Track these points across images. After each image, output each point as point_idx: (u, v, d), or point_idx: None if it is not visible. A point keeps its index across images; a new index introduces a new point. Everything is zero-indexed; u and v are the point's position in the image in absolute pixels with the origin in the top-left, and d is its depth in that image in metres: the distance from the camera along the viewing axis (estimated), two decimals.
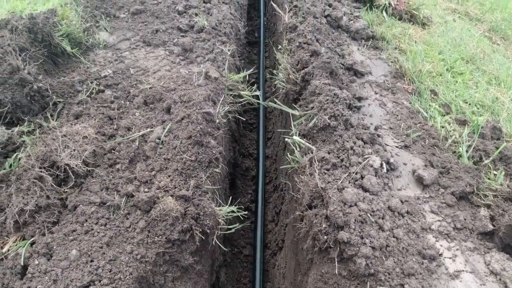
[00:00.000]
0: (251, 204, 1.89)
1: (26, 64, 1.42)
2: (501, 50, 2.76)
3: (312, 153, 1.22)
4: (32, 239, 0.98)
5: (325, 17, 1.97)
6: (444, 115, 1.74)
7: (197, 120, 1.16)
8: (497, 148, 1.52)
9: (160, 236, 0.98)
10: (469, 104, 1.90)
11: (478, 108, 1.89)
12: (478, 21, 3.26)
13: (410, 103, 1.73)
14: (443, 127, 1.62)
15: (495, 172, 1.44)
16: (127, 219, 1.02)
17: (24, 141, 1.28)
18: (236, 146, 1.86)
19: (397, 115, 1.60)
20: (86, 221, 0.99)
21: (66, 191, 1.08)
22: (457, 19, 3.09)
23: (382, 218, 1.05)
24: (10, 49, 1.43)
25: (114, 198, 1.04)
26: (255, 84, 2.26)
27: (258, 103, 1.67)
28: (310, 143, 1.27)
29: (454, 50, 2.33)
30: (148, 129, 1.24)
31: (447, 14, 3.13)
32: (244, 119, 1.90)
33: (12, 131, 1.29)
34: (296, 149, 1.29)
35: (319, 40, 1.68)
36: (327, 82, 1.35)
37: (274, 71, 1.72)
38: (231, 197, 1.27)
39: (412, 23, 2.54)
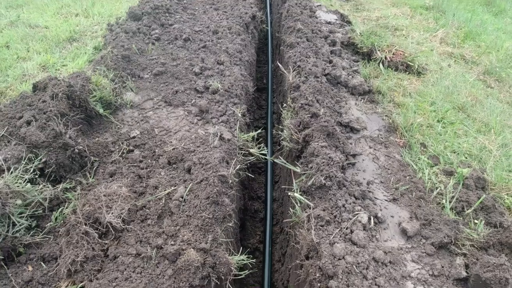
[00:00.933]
0: (259, 244, 2.11)
1: (67, 128, 1.68)
2: (495, 94, 2.95)
3: (310, 208, 1.44)
4: (81, 284, 1.22)
5: (325, 75, 2.22)
6: (432, 167, 1.94)
7: (214, 183, 1.40)
8: (479, 198, 1.71)
9: (185, 282, 1.20)
10: (458, 153, 2.10)
11: (466, 158, 2.09)
12: (473, 63, 3.46)
13: (402, 156, 1.95)
14: (430, 179, 1.83)
15: (476, 221, 1.64)
16: (158, 267, 1.24)
17: (67, 197, 1.53)
18: (246, 192, 2.09)
19: (388, 169, 1.82)
20: (125, 269, 1.22)
21: (107, 243, 1.32)
22: (452, 64, 3.31)
23: (366, 269, 1.26)
24: (53, 115, 1.71)
25: (147, 250, 1.28)
26: (263, 130, 2.52)
27: (266, 159, 1.90)
28: (309, 199, 1.50)
29: (446, 100, 2.54)
30: (172, 188, 1.48)
31: (443, 59, 3.35)
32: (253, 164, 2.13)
33: (56, 188, 1.54)
34: (297, 204, 1.52)
35: (319, 100, 1.92)
36: (324, 144, 1.58)
37: (280, 127, 1.96)
38: (241, 241, 1.49)
39: (407, 72, 2.77)
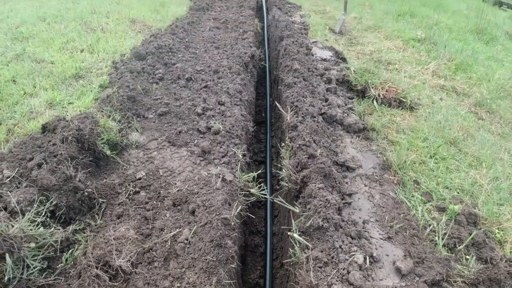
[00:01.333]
0: (259, 279, 2.16)
1: (76, 171, 1.77)
2: (486, 125, 3.06)
3: (309, 249, 1.51)
4: None
5: (322, 114, 2.33)
6: (425, 203, 2.02)
7: (217, 226, 1.47)
8: (470, 234, 1.79)
9: None
10: (450, 189, 2.19)
11: (458, 193, 2.17)
12: (465, 96, 3.59)
13: (396, 193, 2.03)
14: (423, 216, 1.91)
15: (468, 257, 1.71)
16: None
17: (77, 239, 1.60)
18: (246, 228, 2.16)
19: (383, 207, 1.90)
20: None
21: (116, 286, 1.38)
22: (444, 97, 3.43)
23: None
24: (63, 158, 1.80)
25: None
26: (263, 170, 2.61)
27: (265, 198, 1.99)
28: (307, 240, 1.57)
29: (438, 135, 2.64)
30: (178, 230, 1.55)
31: (435, 93, 3.48)
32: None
33: (67, 230, 1.62)
34: (296, 244, 1.59)
35: (316, 141, 2.02)
36: (321, 186, 1.67)
37: (278, 165, 2.06)
38: (242, 277, 1.56)
39: (401, 108, 2.89)
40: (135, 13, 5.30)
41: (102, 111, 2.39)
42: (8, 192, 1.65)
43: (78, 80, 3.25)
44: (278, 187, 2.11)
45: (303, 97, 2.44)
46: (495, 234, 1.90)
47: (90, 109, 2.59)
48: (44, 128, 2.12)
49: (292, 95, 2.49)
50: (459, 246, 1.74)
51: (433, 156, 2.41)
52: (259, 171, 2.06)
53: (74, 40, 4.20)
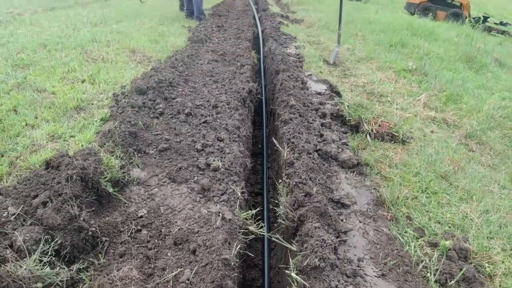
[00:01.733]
0: None
1: (81, 211, 1.83)
2: (476, 157, 3.15)
3: None
4: None
5: (317, 151, 2.42)
6: (418, 239, 2.09)
7: (218, 267, 1.53)
8: (461, 269, 1.85)
9: None
10: (442, 224, 2.26)
11: (449, 227, 2.24)
12: (455, 127, 3.70)
13: (389, 229, 2.10)
14: (415, 252, 1.97)
15: None
16: None
17: (81, 278, 1.65)
18: (243, 263, 2.21)
19: (377, 244, 1.97)
20: None
21: None
22: (435, 129, 3.54)
23: None
24: (68, 197, 1.85)
25: None
26: (259, 196, 2.67)
27: (263, 235, 2.05)
28: (304, 279, 1.63)
29: (429, 169, 2.73)
30: (179, 270, 1.60)
31: (426, 125, 3.59)
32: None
33: (71, 269, 1.66)
34: (294, 283, 1.64)
35: (312, 178, 2.10)
36: (318, 225, 1.74)
37: (276, 201, 2.13)
38: None
39: (393, 142, 3.00)
40: (135, 43, 5.41)
41: (104, 146, 2.46)
42: (15, 232, 1.70)
43: (79, 112, 3.29)
44: (275, 224, 2.17)
45: (299, 133, 2.54)
46: (485, 268, 1.96)
47: (92, 143, 2.65)
48: (48, 165, 2.18)
49: (289, 131, 2.59)
50: (450, 281, 1.80)
51: (425, 191, 2.49)
52: (258, 209, 2.13)
53: (75, 70, 4.27)
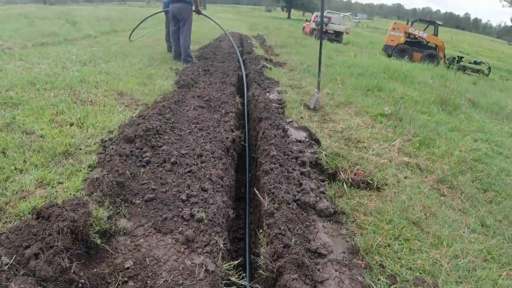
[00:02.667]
0: None
1: (71, 263, 1.90)
2: (448, 201, 3.33)
3: None
4: None
5: (296, 201, 2.58)
6: (390, 286, 2.21)
7: None
8: None
9: None
10: (413, 270, 2.39)
11: (420, 274, 2.38)
12: (428, 172, 3.90)
13: (364, 277, 2.23)
14: None
15: None
16: None
17: None
18: None
19: None
20: None
21: None
22: (409, 175, 3.74)
23: None
24: (59, 250, 1.93)
25: None
26: (241, 241, 2.77)
27: (244, 285, 2.14)
28: None
29: (402, 216, 2.90)
30: None
31: (400, 170, 3.79)
32: None
33: None
34: None
35: (290, 229, 2.23)
36: (295, 276, 1.86)
37: (257, 251, 2.24)
38: None
39: (368, 189, 3.17)
40: (123, 85, 5.53)
41: (92, 195, 2.55)
42: (10, 283, 1.75)
43: (67, 158, 3.33)
44: (257, 272, 2.27)
45: (279, 183, 2.69)
46: None
47: (80, 191, 2.72)
48: (39, 215, 2.25)
49: (269, 182, 2.74)
50: None
51: (398, 238, 2.64)
52: (240, 259, 2.23)
53: (64, 112, 4.33)
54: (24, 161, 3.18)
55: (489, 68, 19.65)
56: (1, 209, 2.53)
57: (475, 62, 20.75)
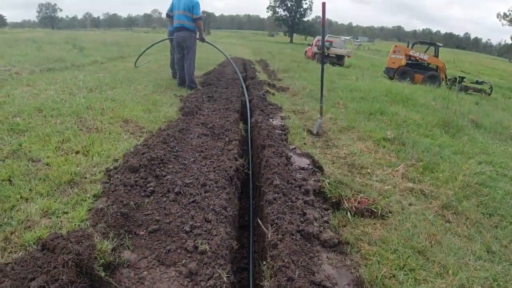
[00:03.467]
0: None
1: None
2: (453, 228, 3.30)
3: None
4: None
5: (300, 231, 2.57)
6: None
7: None
8: None
9: None
10: None
11: None
12: (432, 198, 3.87)
13: None
14: None
15: None
16: None
17: None
18: None
19: None
20: None
21: None
22: (413, 201, 3.71)
23: None
24: (64, 283, 1.94)
25: None
26: (245, 271, 2.74)
27: None
28: None
29: (407, 245, 2.87)
30: None
31: (405, 197, 3.77)
32: None
33: None
34: None
35: (294, 261, 2.22)
36: None
37: (261, 284, 2.22)
38: None
39: (372, 217, 3.16)
40: (129, 112, 5.61)
41: (96, 226, 2.56)
42: None
43: (72, 187, 3.35)
44: None
45: (282, 213, 2.70)
46: None
47: (85, 221, 2.73)
48: (44, 246, 2.27)
49: (273, 212, 2.75)
50: None
51: (403, 268, 2.61)
52: None
53: (69, 140, 4.38)
54: (29, 189, 3.21)
55: (491, 87, 19.75)
56: (6, 239, 2.54)
57: (476, 82, 20.88)
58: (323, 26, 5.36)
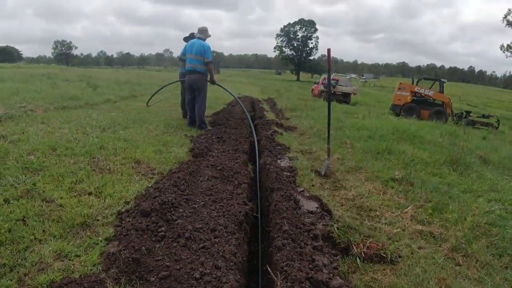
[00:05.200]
0: None
1: None
2: (463, 271, 3.24)
3: None
4: None
5: (309, 279, 2.58)
6: None
7: None
8: None
9: None
10: None
11: None
12: (442, 240, 3.84)
13: None
14: None
15: None
16: None
17: None
18: None
19: None
20: None
21: None
22: (423, 244, 3.69)
23: None
24: None
25: None
26: None
27: None
28: None
29: None
30: None
31: (414, 240, 3.75)
32: None
33: None
34: None
35: None
36: None
37: None
38: None
39: (382, 262, 3.16)
40: (140, 153, 5.73)
41: (108, 271, 2.61)
42: None
43: (85, 229, 3.40)
44: None
45: (291, 260, 2.72)
46: None
47: (97, 265, 2.76)
48: None
49: (282, 259, 2.77)
50: None
51: None
52: None
53: (83, 180, 4.48)
54: (43, 230, 3.26)
55: (498, 120, 19.74)
56: (20, 280, 2.57)
57: (483, 116, 20.90)
58: (329, 70, 5.56)
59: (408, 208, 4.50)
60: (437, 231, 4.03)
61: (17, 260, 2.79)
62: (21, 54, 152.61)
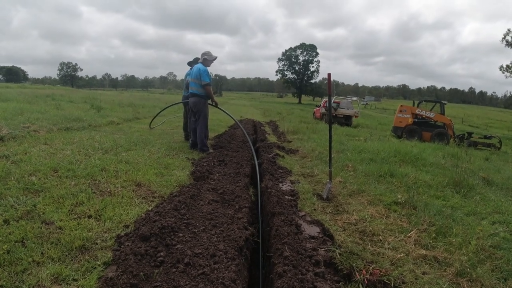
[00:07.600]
0: None
1: None
2: None
3: None
4: None
5: None
6: None
7: None
8: None
9: None
10: None
11: None
12: (446, 265, 3.74)
13: None
14: None
15: None
16: None
17: None
18: None
19: None
20: None
21: None
22: (427, 269, 3.60)
23: None
24: None
25: None
26: None
27: None
28: None
29: None
30: None
31: (418, 265, 3.66)
32: None
33: None
34: None
35: None
36: None
37: None
38: None
39: None
40: (141, 176, 5.71)
41: None
42: None
43: (83, 253, 3.34)
44: None
45: None
46: None
47: None
48: None
49: (282, 286, 2.71)
50: None
51: None
52: None
53: (83, 203, 4.43)
54: (41, 253, 3.21)
55: (500, 141, 19.68)
56: None
57: (485, 137, 20.87)
58: (329, 95, 5.61)
59: (412, 232, 4.43)
60: (441, 255, 3.95)
61: (14, 283, 2.75)
62: (27, 74, 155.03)
